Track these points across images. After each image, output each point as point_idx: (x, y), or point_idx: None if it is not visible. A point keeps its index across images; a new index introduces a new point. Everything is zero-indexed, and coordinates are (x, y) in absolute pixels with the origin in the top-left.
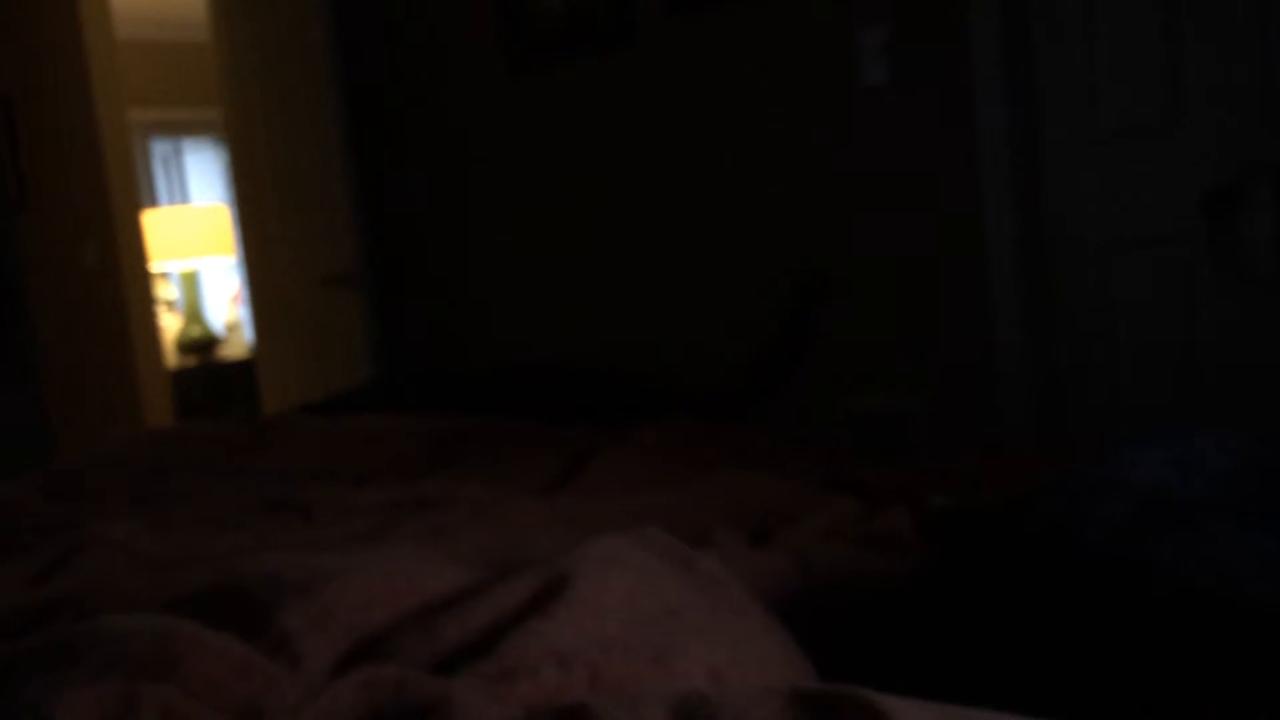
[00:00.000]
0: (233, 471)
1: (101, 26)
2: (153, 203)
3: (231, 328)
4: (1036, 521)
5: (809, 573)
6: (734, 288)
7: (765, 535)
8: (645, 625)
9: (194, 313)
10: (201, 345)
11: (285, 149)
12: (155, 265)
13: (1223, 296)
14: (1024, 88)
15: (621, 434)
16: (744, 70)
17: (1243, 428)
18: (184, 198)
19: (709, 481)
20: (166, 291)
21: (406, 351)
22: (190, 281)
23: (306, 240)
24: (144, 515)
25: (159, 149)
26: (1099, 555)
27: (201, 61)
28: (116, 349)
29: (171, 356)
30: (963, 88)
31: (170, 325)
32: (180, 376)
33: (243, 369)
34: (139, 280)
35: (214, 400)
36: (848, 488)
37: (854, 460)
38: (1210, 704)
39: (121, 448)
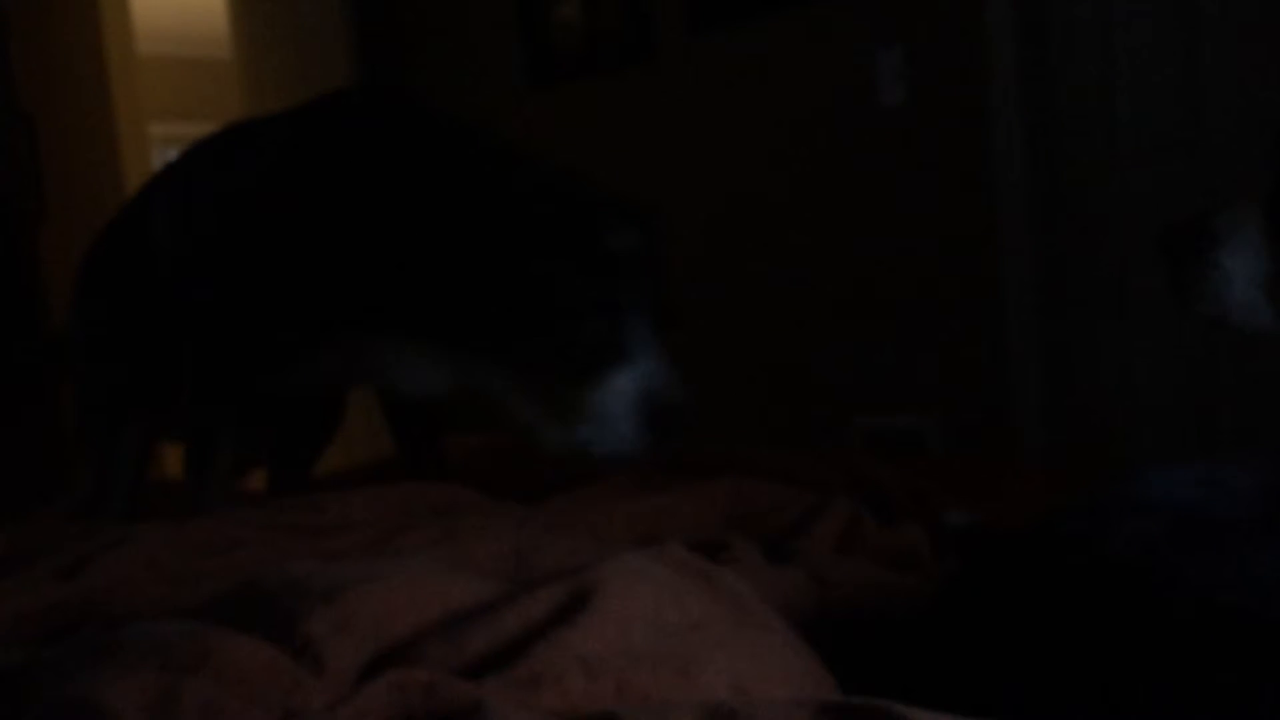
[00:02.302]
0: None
1: (123, 43)
2: None
3: None
4: (1063, 539)
5: (826, 587)
6: (745, 306)
7: (777, 546)
8: (669, 637)
9: None
10: None
11: None
12: None
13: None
14: (1040, 108)
15: None
16: (759, 90)
17: (1267, 451)
18: None
19: (711, 485)
20: None
21: None
22: None
23: None
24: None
25: None
26: (1127, 571)
27: (221, 78)
28: None
29: None
30: (978, 108)
31: None
32: None
33: None
34: None
35: None
36: (863, 495)
37: (873, 465)
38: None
39: None
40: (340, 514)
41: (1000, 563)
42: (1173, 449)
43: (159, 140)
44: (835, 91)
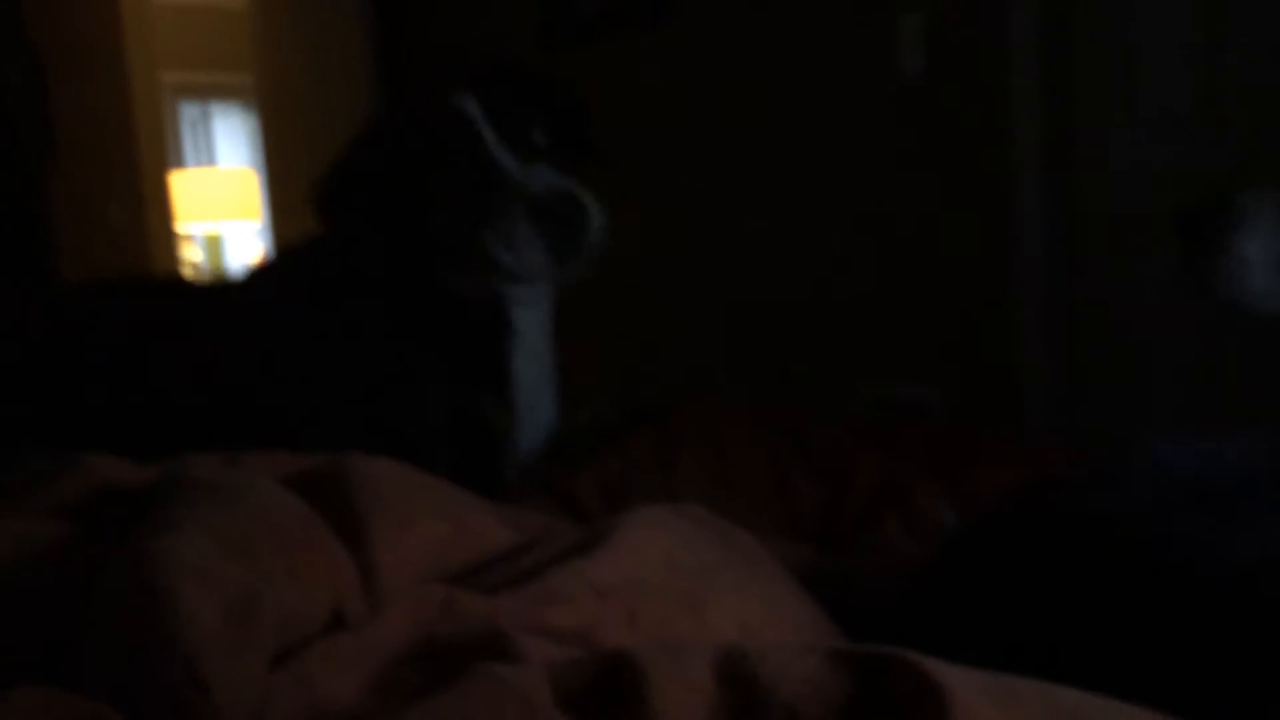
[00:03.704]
0: None
1: None
2: (179, 165)
3: None
4: (1069, 503)
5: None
6: (757, 266)
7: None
8: (682, 576)
9: (218, 276)
10: None
11: (317, 115)
12: (181, 227)
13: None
14: (1060, 76)
15: None
16: (778, 51)
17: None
18: (210, 161)
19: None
20: (191, 254)
21: None
22: (215, 244)
23: None
24: None
25: (187, 112)
26: (1133, 535)
27: (233, 25)
28: None
29: None
30: (997, 75)
31: None
32: None
33: None
34: (164, 241)
35: None
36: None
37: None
38: (1243, 681)
39: None
40: None
41: (1004, 525)
42: (1181, 427)
43: (170, 88)
44: (854, 56)
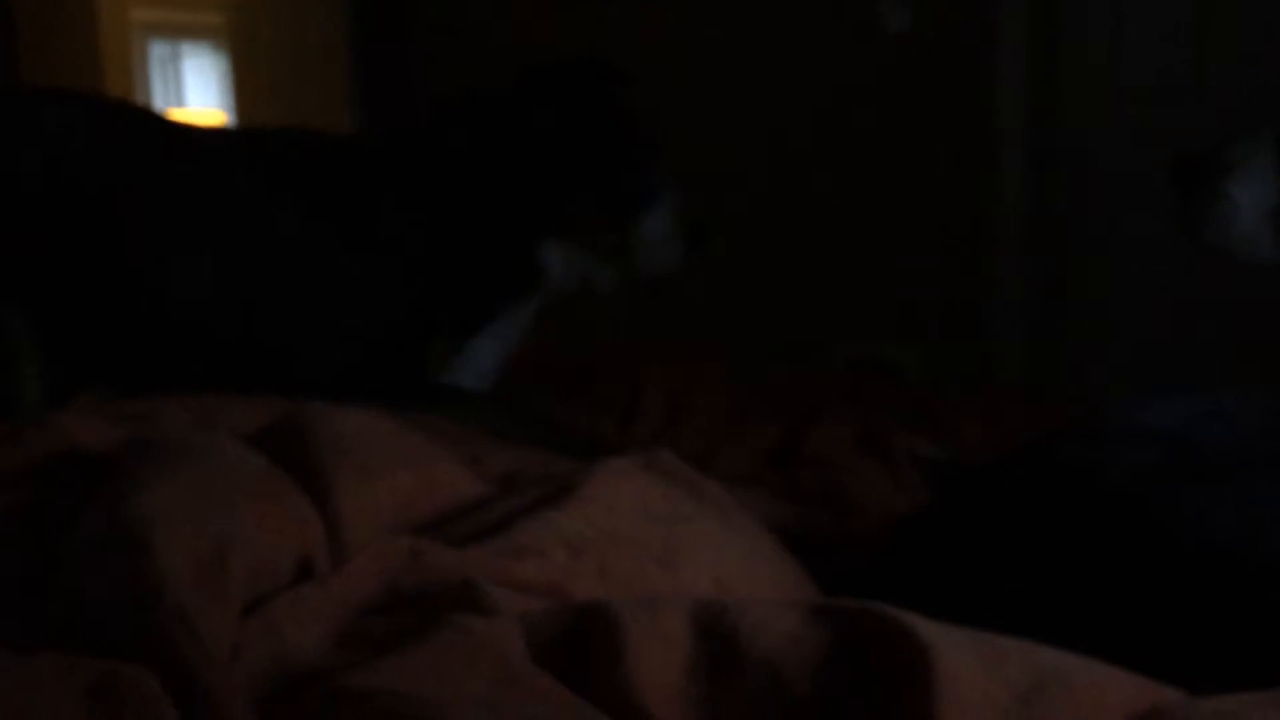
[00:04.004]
0: None
1: None
2: (148, 104)
3: None
4: (1059, 465)
5: (800, 514)
6: (734, 225)
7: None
8: (655, 526)
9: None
10: None
11: (288, 58)
12: None
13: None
14: (1046, 37)
15: None
16: (762, 6)
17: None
18: (180, 103)
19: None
20: None
21: None
22: None
23: None
24: None
25: (157, 51)
26: (1123, 499)
27: None
28: None
29: None
30: (982, 36)
31: None
32: None
33: None
34: None
35: None
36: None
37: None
38: (1225, 649)
39: None
40: None
41: (985, 489)
42: (1154, 385)
43: (140, 26)
44: (839, 14)
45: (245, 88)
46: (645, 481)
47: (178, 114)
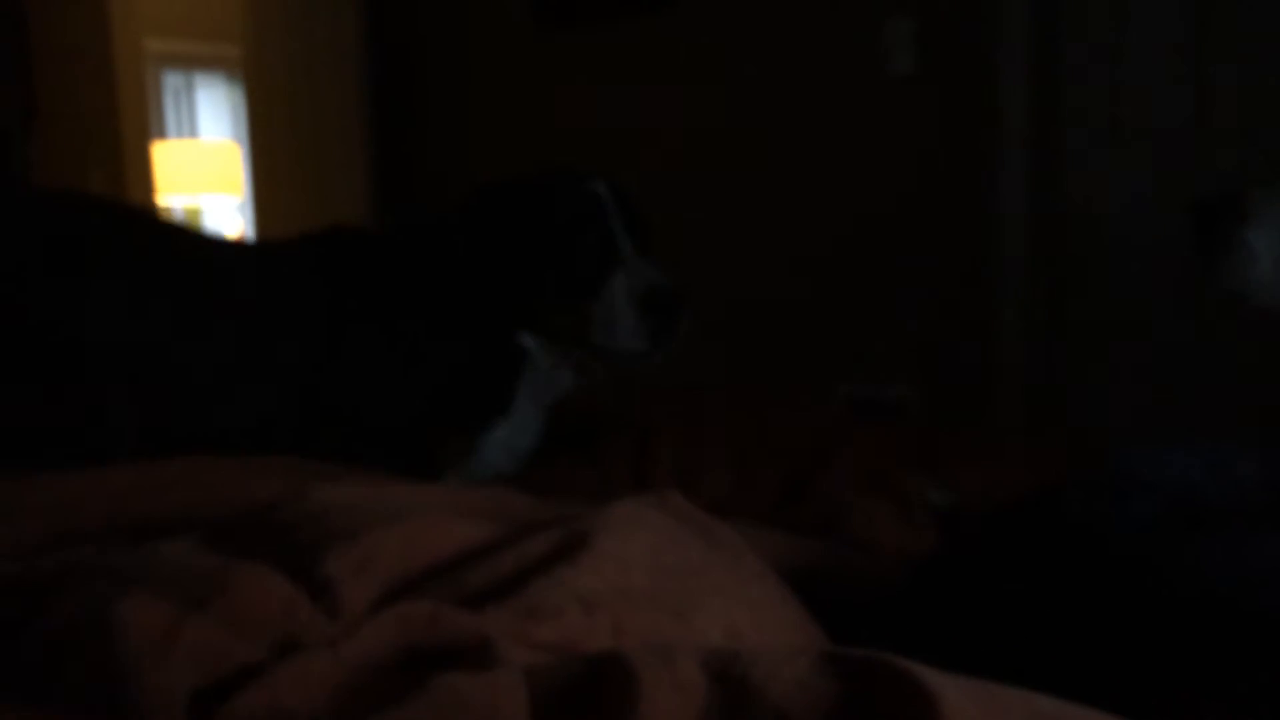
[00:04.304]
0: None
1: None
2: (161, 135)
3: None
4: (1063, 516)
5: (812, 556)
6: (737, 265)
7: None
8: (667, 579)
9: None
10: None
11: (303, 90)
12: (161, 198)
13: (1232, 306)
14: (1048, 78)
15: None
16: (769, 48)
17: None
18: (193, 133)
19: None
20: None
21: None
22: (195, 218)
23: (318, 184)
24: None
25: (170, 81)
26: (1127, 553)
27: None
28: None
29: None
30: (983, 81)
31: None
32: None
33: None
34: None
35: None
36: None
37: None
38: (1221, 704)
39: None
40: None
41: (995, 537)
42: (1154, 428)
43: (154, 56)
44: (843, 57)
45: (260, 120)
46: (656, 527)
47: (191, 144)
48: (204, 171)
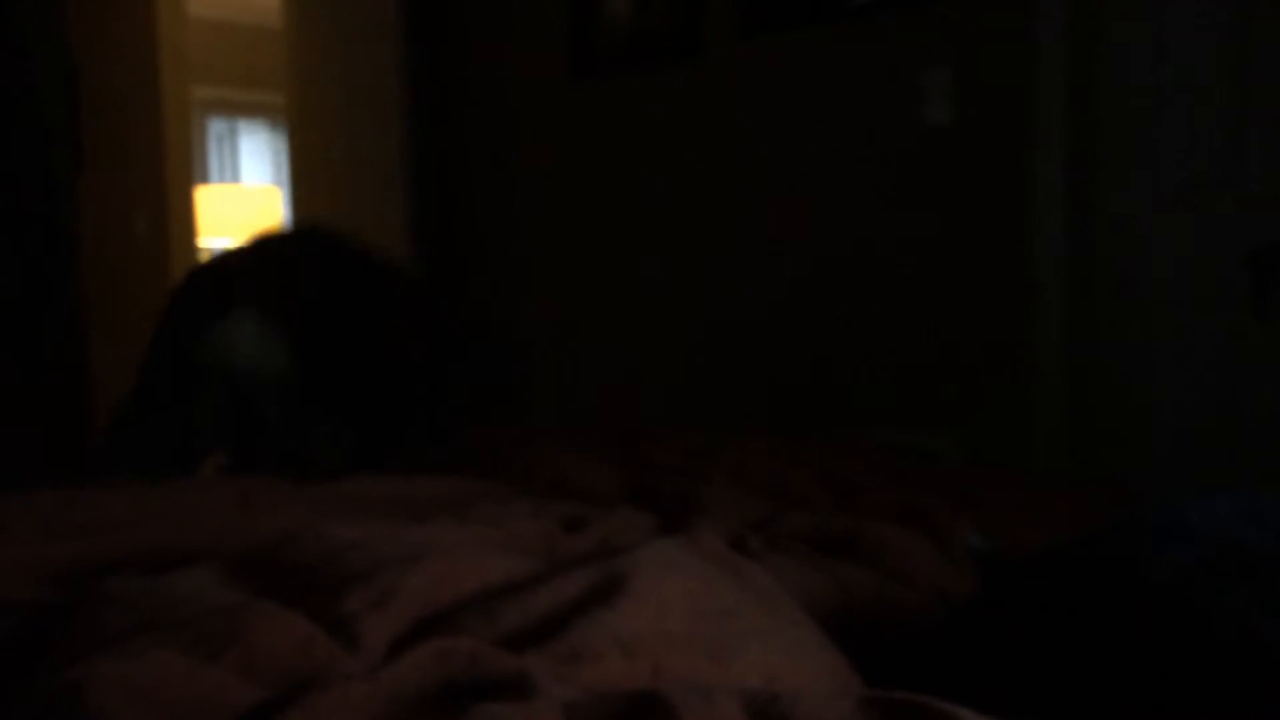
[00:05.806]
0: None
1: (173, 2)
2: (204, 179)
3: None
4: (1103, 562)
5: (847, 593)
6: (771, 312)
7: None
8: (704, 623)
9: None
10: None
11: (345, 136)
12: (204, 241)
13: (1271, 360)
14: (1085, 133)
15: None
16: (803, 98)
17: None
18: (235, 177)
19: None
20: None
21: None
22: None
23: (359, 229)
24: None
25: (214, 127)
26: (1166, 599)
27: (263, 44)
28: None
29: None
30: (1022, 130)
31: None
32: None
33: None
34: (187, 253)
35: None
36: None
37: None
38: None
39: None
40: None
41: (1035, 580)
42: (1194, 481)
43: (200, 103)
44: (880, 107)
45: (302, 165)
46: (689, 569)
47: (234, 188)
48: (246, 215)
